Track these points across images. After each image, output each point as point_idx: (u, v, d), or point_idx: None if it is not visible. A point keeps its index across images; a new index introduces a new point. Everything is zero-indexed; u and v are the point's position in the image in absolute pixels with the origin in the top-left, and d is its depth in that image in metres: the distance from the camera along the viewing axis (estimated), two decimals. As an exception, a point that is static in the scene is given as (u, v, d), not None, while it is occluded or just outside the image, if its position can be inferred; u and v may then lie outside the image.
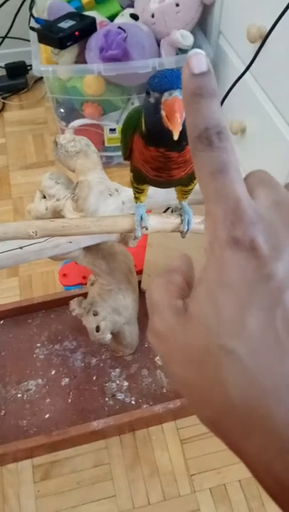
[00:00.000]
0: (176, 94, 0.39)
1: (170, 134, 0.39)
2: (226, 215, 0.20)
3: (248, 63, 1.04)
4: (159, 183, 0.51)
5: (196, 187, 0.56)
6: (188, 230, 0.54)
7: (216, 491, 0.84)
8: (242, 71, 1.04)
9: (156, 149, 0.43)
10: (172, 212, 0.58)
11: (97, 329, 0.85)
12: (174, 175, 0.47)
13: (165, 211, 0.71)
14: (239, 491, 0.84)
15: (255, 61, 1.00)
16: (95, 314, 0.85)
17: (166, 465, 0.87)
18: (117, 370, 0.97)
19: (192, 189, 0.55)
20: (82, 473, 0.86)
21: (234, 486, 0.85)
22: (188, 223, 0.54)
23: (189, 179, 0.51)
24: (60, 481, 0.85)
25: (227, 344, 0.19)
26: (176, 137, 0.39)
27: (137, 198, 0.56)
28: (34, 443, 0.85)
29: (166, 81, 0.39)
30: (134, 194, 0.55)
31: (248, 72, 1.04)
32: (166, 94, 0.39)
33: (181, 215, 0.55)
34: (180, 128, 0.39)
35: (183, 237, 0.56)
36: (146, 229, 0.53)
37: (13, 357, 0.99)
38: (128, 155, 0.50)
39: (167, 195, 0.60)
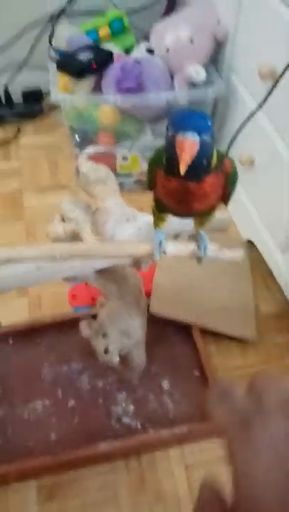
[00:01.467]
0: (188, 135, 0.43)
1: (193, 166, 0.43)
2: None
3: (258, 100, 1.08)
4: (180, 214, 0.54)
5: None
6: (205, 255, 0.57)
7: (220, 520, 0.84)
8: (252, 107, 1.08)
9: (176, 180, 0.46)
10: (188, 238, 0.61)
11: (106, 351, 0.86)
12: (194, 208, 0.50)
13: (176, 237, 0.74)
14: (243, 520, 0.83)
15: (269, 99, 1.04)
16: (104, 336, 0.87)
17: (171, 491, 0.87)
18: (124, 393, 0.98)
19: (210, 220, 0.58)
20: (86, 495, 0.86)
21: (238, 515, 0.84)
22: (205, 250, 0.57)
23: (208, 213, 0.55)
24: (64, 502, 0.85)
25: None
26: (182, 171, 0.43)
27: (156, 225, 0.59)
28: (39, 463, 0.85)
29: (181, 121, 0.44)
30: (155, 221, 0.58)
31: (261, 112, 1.07)
32: (179, 133, 0.43)
33: (197, 242, 0.57)
34: (185, 167, 0.43)
35: (199, 264, 0.58)
36: (165, 253, 0.56)
37: (21, 376, 1.00)
38: (152, 186, 0.53)
39: (182, 221, 0.63)
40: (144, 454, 0.91)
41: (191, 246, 0.57)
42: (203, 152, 0.44)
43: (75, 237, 0.70)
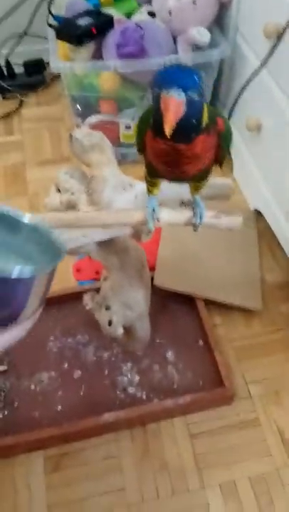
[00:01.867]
0: (172, 92, 0.40)
1: (181, 126, 0.40)
2: None
3: (264, 60, 1.04)
4: (172, 178, 0.52)
5: (209, 182, 0.57)
6: (200, 222, 0.54)
7: (225, 487, 0.84)
8: (257, 67, 1.04)
9: (164, 142, 0.44)
10: (184, 205, 0.58)
11: (109, 323, 0.85)
12: (186, 171, 0.47)
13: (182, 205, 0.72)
14: (249, 488, 0.84)
15: (272, 58, 0.99)
16: (108, 308, 0.86)
17: (175, 459, 0.87)
18: (129, 364, 0.98)
19: (205, 184, 0.56)
20: (92, 465, 0.87)
21: (243, 483, 0.85)
22: (201, 216, 0.54)
23: (202, 176, 0.52)
24: (70, 472, 0.87)
25: None
26: (168, 133, 0.40)
27: (149, 191, 0.56)
28: (46, 434, 0.86)
29: (165, 78, 0.41)
30: (148, 187, 0.56)
31: (264, 69, 1.03)
32: (164, 91, 0.40)
33: (193, 209, 0.55)
34: (170, 128, 0.40)
35: (195, 231, 0.56)
36: (158, 221, 0.54)
37: (27, 349, 1.01)
38: (142, 149, 0.50)
39: (180, 189, 0.60)
40: (149, 423, 0.91)
41: (187, 213, 0.54)
42: (191, 111, 0.41)
43: (71, 207, 0.69)
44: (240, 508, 0.82)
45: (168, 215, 0.54)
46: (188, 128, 0.42)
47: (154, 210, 0.53)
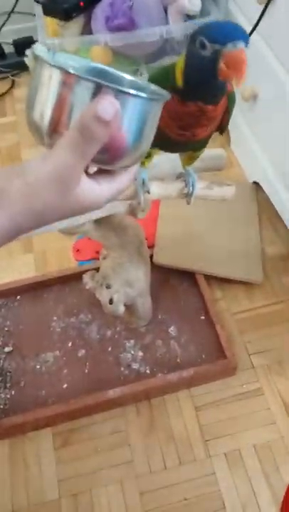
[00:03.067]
0: (240, 45, 0.38)
1: (219, 86, 0.40)
2: None
3: (257, 27, 1.01)
4: (174, 146, 0.50)
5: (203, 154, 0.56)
6: (192, 192, 0.54)
7: (230, 456, 0.86)
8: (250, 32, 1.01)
9: (194, 103, 0.42)
10: (176, 178, 0.58)
11: (110, 302, 0.86)
12: (199, 134, 0.46)
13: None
14: (254, 455, 0.86)
15: (264, 22, 0.97)
16: (108, 287, 0.86)
17: (181, 431, 0.89)
18: (132, 341, 0.99)
19: (200, 155, 0.55)
20: (99, 439, 0.89)
21: (248, 451, 0.86)
22: (193, 186, 0.53)
23: (203, 144, 0.51)
24: (78, 447, 0.89)
25: None
26: (239, 86, 0.40)
27: (141, 163, 0.55)
28: (53, 412, 0.88)
29: (228, 32, 0.38)
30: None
31: (256, 34, 1.00)
32: (229, 45, 0.38)
33: (185, 180, 0.54)
34: (243, 80, 0.39)
35: (188, 203, 0.55)
36: (149, 193, 0.53)
37: (31, 330, 1.02)
38: None
39: (173, 163, 0.59)
40: (154, 397, 0.92)
41: (179, 185, 0.53)
42: None
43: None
44: (246, 475, 0.84)
45: (158, 187, 0.53)
46: (222, 88, 0.41)
47: (143, 182, 0.52)
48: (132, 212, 0.75)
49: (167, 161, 0.61)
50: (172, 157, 0.60)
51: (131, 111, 0.33)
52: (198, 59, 0.40)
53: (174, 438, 0.88)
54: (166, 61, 1.27)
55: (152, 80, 0.47)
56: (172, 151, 0.55)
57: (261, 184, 1.20)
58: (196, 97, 0.42)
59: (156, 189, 0.52)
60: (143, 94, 0.33)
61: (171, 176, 0.64)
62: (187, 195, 0.54)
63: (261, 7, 0.99)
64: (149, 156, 0.54)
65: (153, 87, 0.39)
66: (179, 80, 0.43)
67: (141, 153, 0.36)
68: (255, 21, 1.04)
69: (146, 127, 0.35)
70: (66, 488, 0.85)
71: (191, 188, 0.53)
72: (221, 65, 0.39)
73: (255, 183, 1.24)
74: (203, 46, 0.39)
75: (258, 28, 1.01)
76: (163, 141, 0.51)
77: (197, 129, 0.46)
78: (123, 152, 0.34)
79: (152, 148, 0.53)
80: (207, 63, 0.39)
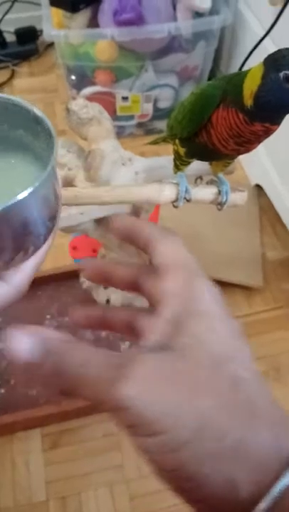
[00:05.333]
0: None
1: None
2: None
3: (267, 27, 0.99)
4: (217, 157, 0.51)
5: None
6: (226, 200, 0.53)
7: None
8: (261, 35, 0.99)
9: (262, 124, 0.43)
10: (201, 182, 0.57)
11: (107, 302, 0.84)
12: (252, 148, 0.47)
13: (195, 181, 0.70)
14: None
15: (277, 26, 0.95)
16: (105, 287, 0.85)
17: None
18: (127, 342, 0.97)
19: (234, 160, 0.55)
20: (90, 443, 0.87)
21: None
22: (227, 194, 0.53)
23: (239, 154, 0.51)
24: (68, 450, 0.87)
25: None
26: None
27: (178, 169, 0.54)
28: (44, 412, 0.86)
29: None
30: (177, 165, 0.54)
31: (268, 38, 0.99)
32: None
33: (218, 187, 0.53)
34: None
35: (220, 210, 0.54)
36: (188, 200, 0.52)
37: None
38: (194, 132, 0.47)
39: (198, 165, 0.58)
40: (148, 402, 0.91)
41: (213, 191, 0.52)
42: None
43: (68, 183, 0.66)
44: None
45: (200, 194, 0.52)
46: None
47: (186, 189, 0.51)
48: (136, 212, 0.73)
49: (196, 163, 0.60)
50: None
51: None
52: (280, 90, 0.41)
53: (167, 443, 0.87)
54: (173, 59, 1.25)
55: (200, 100, 0.46)
56: (211, 160, 0.54)
57: (264, 187, 1.19)
58: (265, 119, 0.43)
59: (197, 196, 0.51)
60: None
61: (193, 177, 0.62)
62: (220, 204, 0.53)
63: (272, 8, 0.97)
64: (189, 164, 0.53)
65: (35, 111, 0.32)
66: (248, 101, 0.42)
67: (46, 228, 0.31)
68: (265, 22, 1.02)
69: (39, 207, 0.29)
70: (54, 490, 0.83)
71: (225, 196, 0.52)
72: None
73: (258, 186, 1.23)
74: (288, 80, 0.40)
75: (271, 32, 0.99)
76: (208, 155, 0.51)
77: (254, 145, 0.47)
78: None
79: (192, 159, 0.52)
80: (280, 90, 0.41)
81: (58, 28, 1.23)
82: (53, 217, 0.31)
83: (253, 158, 1.21)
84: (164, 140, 0.58)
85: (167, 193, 0.50)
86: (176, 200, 0.52)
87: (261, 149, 1.17)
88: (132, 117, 1.34)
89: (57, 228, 0.32)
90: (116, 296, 0.85)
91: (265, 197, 1.17)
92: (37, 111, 0.31)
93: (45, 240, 0.31)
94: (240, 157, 1.27)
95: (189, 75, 1.32)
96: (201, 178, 0.64)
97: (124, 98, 1.29)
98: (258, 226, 1.16)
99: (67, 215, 0.64)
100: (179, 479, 0.23)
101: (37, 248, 0.31)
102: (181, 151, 0.52)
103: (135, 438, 0.23)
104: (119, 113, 1.32)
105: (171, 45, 1.23)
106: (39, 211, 0.29)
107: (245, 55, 1.11)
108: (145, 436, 0.23)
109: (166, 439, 0.22)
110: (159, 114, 1.35)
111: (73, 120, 0.64)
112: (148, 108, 1.33)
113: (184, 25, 1.17)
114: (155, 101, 1.33)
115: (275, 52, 0.41)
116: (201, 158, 0.53)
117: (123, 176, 0.63)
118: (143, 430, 0.23)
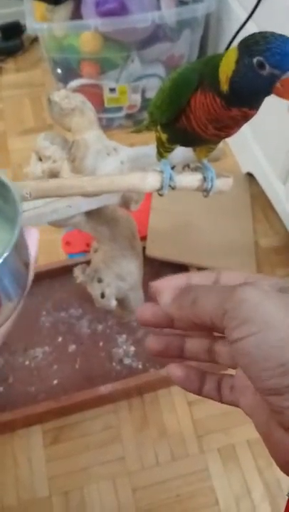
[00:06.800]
0: None
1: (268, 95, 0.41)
2: None
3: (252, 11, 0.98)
4: (199, 142, 0.50)
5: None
6: (212, 187, 0.52)
7: (224, 451, 0.85)
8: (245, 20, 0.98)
9: (239, 109, 0.43)
10: (188, 169, 0.56)
11: (102, 296, 0.84)
12: (232, 133, 0.46)
13: (183, 169, 0.69)
14: (247, 451, 0.85)
15: (259, 9, 0.94)
16: (100, 281, 0.84)
17: (174, 427, 0.88)
18: (124, 335, 0.97)
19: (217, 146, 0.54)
20: (91, 436, 0.87)
21: (242, 446, 0.85)
22: (212, 181, 0.52)
23: (221, 139, 0.50)
24: (69, 444, 0.87)
25: None
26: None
27: (162, 156, 0.53)
28: (43, 408, 0.85)
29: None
30: (160, 152, 0.53)
31: (251, 22, 0.98)
32: (287, 73, 0.39)
33: (203, 173, 0.52)
34: None
35: (205, 196, 0.54)
36: (173, 188, 0.51)
37: (19, 325, 0.98)
38: (174, 117, 0.46)
39: (184, 152, 0.57)
40: (146, 393, 0.91)
41: (198, 177, 0.52)
42: None
43: (54, 176, 0.65)
44: (240, 470, 0.83)
45: (184, 180, 0.51)
46: (269, 94, 0.42)
47: (171, 177, 0.51)
48: (125, 203, 0.72)
49: (179, 150, 0.59)
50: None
51: None
52: (254, 76, 0.40)
53: (167, 434, 0.87)
54: (158, 48, 1.24)
55: (177, 83, 0.45)
56: (194, 146, 0.53)
57: (255, 175, 1.18)
58: (242, 103, 0.42)
59: (182, 182, 0.51)
60: None
61: (181, 164, 0.62)
62: (206, 190, 0.52)
63: (256, -8, 0.96)
64: (172, 150, 0.53)
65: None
66: (224, 85, 0.41)
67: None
68: (248, 5, 1.01)
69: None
70: (57, 485, 0.83)
71: (210, 182, 0.52)
72: (278, 85, 0.40)
73: (249, 174, 1.22)
74: (261, 66, 0.39)
75: (253, 15, 0.98)
76: (189, 140, 0.50)
77: (234, 129, 0.46)
78: None
79: (174, 144, 0.52)
80: (263, 81, 0.40)
81: (41, 21, 1.22)
82: (23, 285, 0.32)
83: (243, 146, 1.20)
84: (147, 128, 0.57)
85: (151, 180, 0.50)
86: (161, 188, 0.51)
87: (252, 137, 1.16)
88: (120, 109, 1.33)
89: (25, 293, 0.34)
90: (110, 290, 0.84)
91: (256, 185, 1.17)
92: (3, 177, 0.32)
93: (14, 308, 0.33)
94: (231, 145, 1.27)
95: (176, 63, 1.31)
96: (188, 166, 0.63)
97: (112, 89, 1.27)
98: (250, 214, 1.16)
99: (54, 209, 0.63)
100: None
101: (6, 318, 0.32)
102: (163, 137, 0.51)
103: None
104: (107, 105, 1.31)
105: (156, 35, 1.21)
106: (8, 279, 0.30)
107: (229, 39, 1.10)
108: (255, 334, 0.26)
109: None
110: (147, 104, 1.34)
111: (56, 111, 0.63)
112: (136, 99, 1.31)
113: (168, 14, 1.16)
114: (143, 91, 1.31)
115: (249, 36, 0.40)
116: (184, 144, 0.52)
117: (108, 165, 0.62)
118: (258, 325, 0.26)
